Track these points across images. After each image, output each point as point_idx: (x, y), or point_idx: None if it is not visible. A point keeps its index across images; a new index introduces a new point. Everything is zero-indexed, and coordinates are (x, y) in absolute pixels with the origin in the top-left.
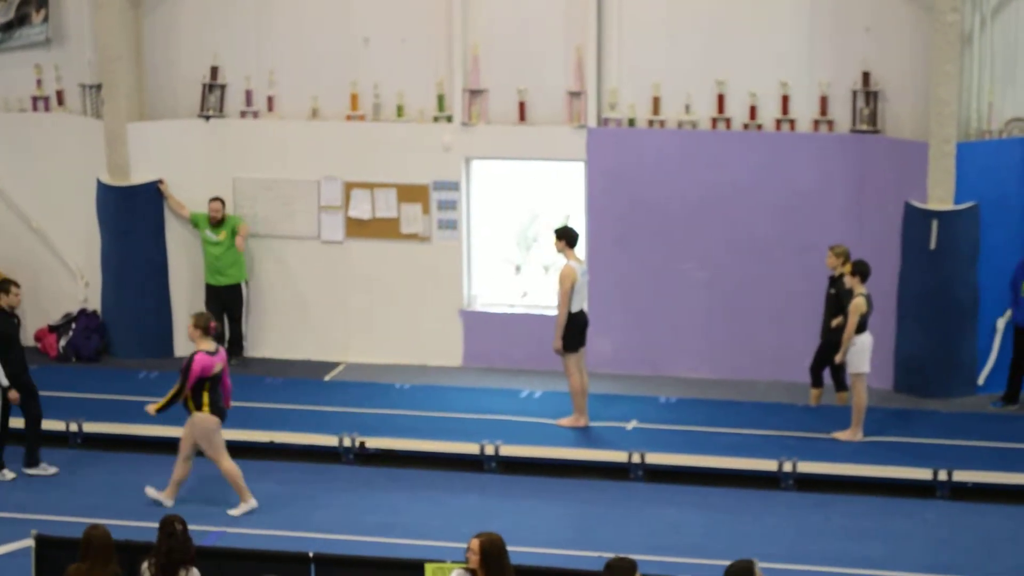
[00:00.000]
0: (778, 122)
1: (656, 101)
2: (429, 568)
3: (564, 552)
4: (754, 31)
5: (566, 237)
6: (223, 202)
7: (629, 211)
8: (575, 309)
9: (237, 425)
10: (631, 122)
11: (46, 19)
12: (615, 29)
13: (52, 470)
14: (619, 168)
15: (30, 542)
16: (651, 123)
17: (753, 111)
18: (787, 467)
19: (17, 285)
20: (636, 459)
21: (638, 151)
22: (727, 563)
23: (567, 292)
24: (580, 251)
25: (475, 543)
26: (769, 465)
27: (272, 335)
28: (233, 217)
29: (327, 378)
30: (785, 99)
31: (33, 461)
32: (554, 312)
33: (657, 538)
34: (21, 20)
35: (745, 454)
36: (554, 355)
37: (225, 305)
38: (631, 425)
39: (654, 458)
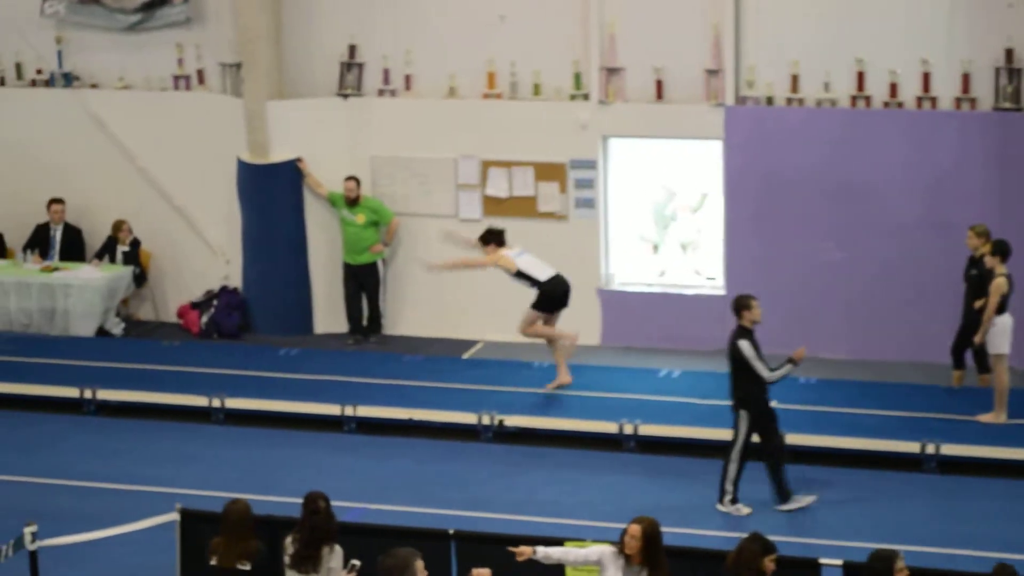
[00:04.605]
0: (919, 100)
1: (794, 79)
2: (569, 545)
3: (702, 532)
4: (894, 8)
5: (493, 239)
6: (358, 181)
7: (766, 190)
8: (546, 277)
9: (376, 402)
10: (769, 100)
11: None
12: (753, 6)
13: (807, 500)
14: (757, 147)
15: (175, 516)
16: (789, 101)
17: (894, 89)
18: (930, 449)
19: (756, 298)
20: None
21: (776, 130)
22: (868, 546)
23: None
24: (712, 230)
25: (636, 528)
26: (911, 447)
27: (410, 313)
28: (380, 205)
29: (465, 356)
30: (926, 77)
31: (785, 495)
32: (692, 292)
33: (795, 519)
34: (162, 0)
35: (887, 436)
36: (693, 334)
37: (362, 284)
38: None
39: (793, 439)
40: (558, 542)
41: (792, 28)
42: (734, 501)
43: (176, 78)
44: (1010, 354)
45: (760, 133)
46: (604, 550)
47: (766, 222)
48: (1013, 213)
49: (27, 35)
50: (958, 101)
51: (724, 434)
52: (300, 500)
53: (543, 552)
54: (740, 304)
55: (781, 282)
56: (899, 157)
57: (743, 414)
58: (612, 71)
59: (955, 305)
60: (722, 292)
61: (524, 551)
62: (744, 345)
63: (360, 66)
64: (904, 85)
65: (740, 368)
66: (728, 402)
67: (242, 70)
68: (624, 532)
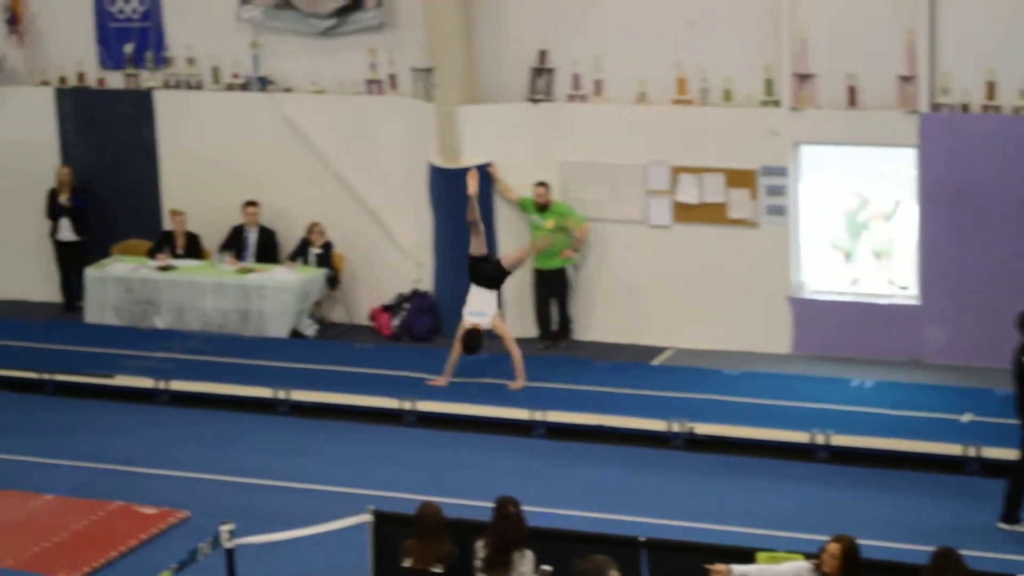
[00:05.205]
0: None
1: (990, 86)
2: (761, 557)
3: (897, 546)
4: None
5: (475, 343)
6: (548, 187)
7: (962, 199)
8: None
9: (566, 408)
10: (964, 108)
11: (380, 4)
12: (948, 12)
13: None
14: (952, 155)
15: (368, 517)
16: (985, 108)
17: None
18: None
19: None
20: (971, 453)
21: (972, 137)
22: None
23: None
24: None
25: (836, 547)
26: None
27: (599, 319)
28: (569, 210)
29: (654, 362)
30: None
31: (1012, 516)
32: (885, 301)
33: (994, 534)
34: (356, 5)
35: None
36: (885, 344)
37: (552, 289)
38: (966, 418)
39: (991, 452)
40: (748, 553)
41: (988, 34)
42: (1017, 521)
43: (369, 82)
44: None
45: (955, 141)
46: (801, 566)
47: (961, 231)
48: None
49: (224, 40)
50: None
51: (921, 446)
52: (488, 504)
53: (739, 570)
54: None
55: (977, 291)
56: None
57: None
58: (804, 77)
59: None
60: (916, 302)
61: (720, 569)
62: None
63: (550, 71)
64: None
65: None
66: (1016, 421)
67: (434, 75)
68: (822, 550)
